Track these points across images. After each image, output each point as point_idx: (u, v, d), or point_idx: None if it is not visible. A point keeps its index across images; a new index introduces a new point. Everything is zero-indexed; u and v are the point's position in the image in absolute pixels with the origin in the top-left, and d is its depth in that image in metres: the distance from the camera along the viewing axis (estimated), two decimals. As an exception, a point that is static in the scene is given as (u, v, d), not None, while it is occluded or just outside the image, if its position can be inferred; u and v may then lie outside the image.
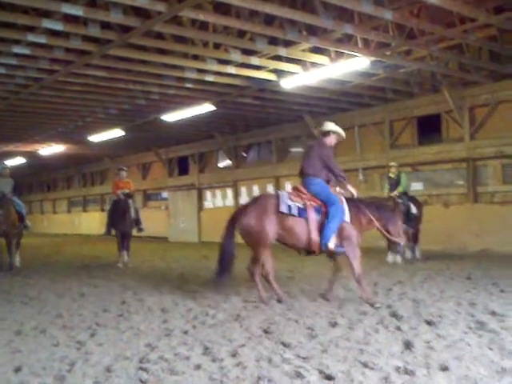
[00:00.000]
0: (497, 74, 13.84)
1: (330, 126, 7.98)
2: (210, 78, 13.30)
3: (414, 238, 12.62)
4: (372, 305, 6.92)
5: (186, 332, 5.73)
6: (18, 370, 4.53)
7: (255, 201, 7.82)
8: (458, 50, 12.42)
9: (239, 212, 7.71)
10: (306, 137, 19.61)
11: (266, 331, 5.65)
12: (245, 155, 22.68)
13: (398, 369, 4.24)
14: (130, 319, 6.52)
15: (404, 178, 12.58)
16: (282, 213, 7.38)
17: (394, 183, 12.53)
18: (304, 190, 7.64)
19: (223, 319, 6.32)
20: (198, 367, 4.48)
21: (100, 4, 9.29)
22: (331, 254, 7.68)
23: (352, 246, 7.41)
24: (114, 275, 11.09)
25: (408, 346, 4.89)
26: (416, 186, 16.03)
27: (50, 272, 11.95)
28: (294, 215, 7.40)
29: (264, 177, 20.91)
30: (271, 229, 7.38)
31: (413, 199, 12.64)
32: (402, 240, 7.97)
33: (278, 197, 7.53)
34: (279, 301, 7.33)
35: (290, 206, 7.40)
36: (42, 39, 10.25)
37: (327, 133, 7.94)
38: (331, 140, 7.98)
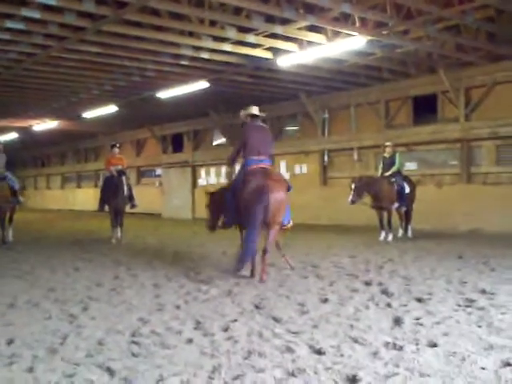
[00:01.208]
0: (493, 55, 13.78)
1: (256, 109, 8.08)
2: (205, 55, 13.21)
3: (406, 217, 12.70)
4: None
5: (178, 307, 5.77)
6: (10, 342, 4.54)
7: (269, 175, 7.53)
8: (456, 31, 12.35)
9: (270, 186, 7.21)
10: (301, 115, 19.59)
11: (257, 306, 5.69)
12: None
13: (387, 344, 4.28)
14: (123, 294, 6.54)
15: (398, 157, 12.61)
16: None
17: (389, 163, 12.56)
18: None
19: (215, 294, 6.35)
20: (189, 341, 4.51)
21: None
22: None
23: None
24: (107, 250, 11.12)
25: (398, 322, 4.94)
26: (410, 166, 16.08)
27: (44, 247, 11.97)
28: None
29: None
30: None
31: (406, 179, 12.70)
32: None
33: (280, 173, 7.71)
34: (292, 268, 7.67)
35: None
36: (36, 14, 10.14)
37: (257, 116, 8.05)
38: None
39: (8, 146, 15.98)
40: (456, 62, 14.51)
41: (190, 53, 13.03)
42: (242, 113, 8.20)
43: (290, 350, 4.20)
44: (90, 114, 21.32)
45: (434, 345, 4.26)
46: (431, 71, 15.41)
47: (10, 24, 10.67)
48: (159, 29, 11.60)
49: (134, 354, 4.20)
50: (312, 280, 7.30)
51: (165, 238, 13.80)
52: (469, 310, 5.38)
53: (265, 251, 7.37)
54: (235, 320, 5.14)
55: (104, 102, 19.56)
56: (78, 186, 34.15)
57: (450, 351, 4.07)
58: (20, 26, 10.80)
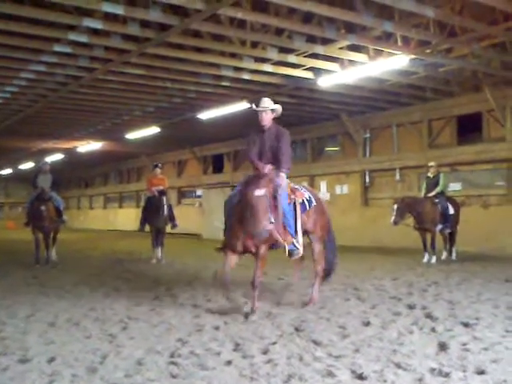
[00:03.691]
0: (540, 73, 13.45)
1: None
2: (246, 76, 13.29)
3: (450, 239, 12.41)
4: None
5: (217, 328, 5.71)
6: (51, 360, 4.57)
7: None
8: (501, 48, 12.10)
9: None
10: (342, 135, 19.47)
11: (297, 329, 5.59)
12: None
13: (432, 370, 4.13)
14: (162, 314, 6.53)
15: (443, 178, 12.36)
16: None
17: (433, 183, 12.32)
18: None
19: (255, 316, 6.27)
20: (228, 363, 4.45)
21: (139, 2, 9.37)
22: None
23: None
24: (147, 270, 11.18)
25: (443, 347, 4.77)
26: (454, 187, 15.74)
27: (85, 266, 12.11)
28: None
29: (299, 175, 20.76)
30: None
31: (450, 200, 12.42)
32: None
33: None
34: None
35: None
36: (83, 38, 10.40)
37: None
38: None
39: (53, 167, 16.34)
40: (502, 79, 14.21)
41: (230, 74, 13.13)
42: (268, 108, 6.83)
43: (331, 374, 4.09)
44: (133, 136, 21.66)
45: (482, 372, 4.09)
46: (476, 90, 15.13)
47: (57, 48, 10.97)
48: (200, 50, 11.74)
49: (172, 375, 4.17)
50: (353, 302, 7.15)
51: (205, 259, 13.78)
52: (518, 336, 5.16)
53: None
54: (275, 342, 5.05)
55: (147, 123, 19.86)
56: (120, 207, 34.67)
57: (499, 379, 3.91)
58: (67, 49, 11.10)
